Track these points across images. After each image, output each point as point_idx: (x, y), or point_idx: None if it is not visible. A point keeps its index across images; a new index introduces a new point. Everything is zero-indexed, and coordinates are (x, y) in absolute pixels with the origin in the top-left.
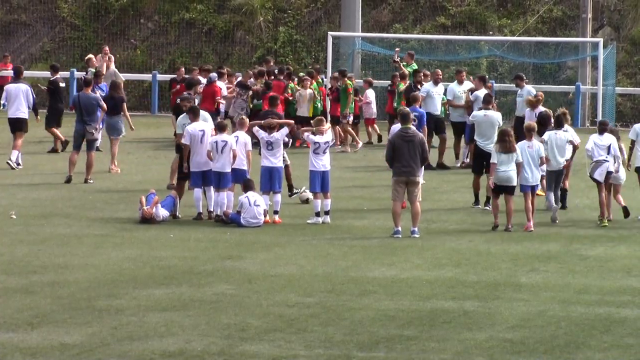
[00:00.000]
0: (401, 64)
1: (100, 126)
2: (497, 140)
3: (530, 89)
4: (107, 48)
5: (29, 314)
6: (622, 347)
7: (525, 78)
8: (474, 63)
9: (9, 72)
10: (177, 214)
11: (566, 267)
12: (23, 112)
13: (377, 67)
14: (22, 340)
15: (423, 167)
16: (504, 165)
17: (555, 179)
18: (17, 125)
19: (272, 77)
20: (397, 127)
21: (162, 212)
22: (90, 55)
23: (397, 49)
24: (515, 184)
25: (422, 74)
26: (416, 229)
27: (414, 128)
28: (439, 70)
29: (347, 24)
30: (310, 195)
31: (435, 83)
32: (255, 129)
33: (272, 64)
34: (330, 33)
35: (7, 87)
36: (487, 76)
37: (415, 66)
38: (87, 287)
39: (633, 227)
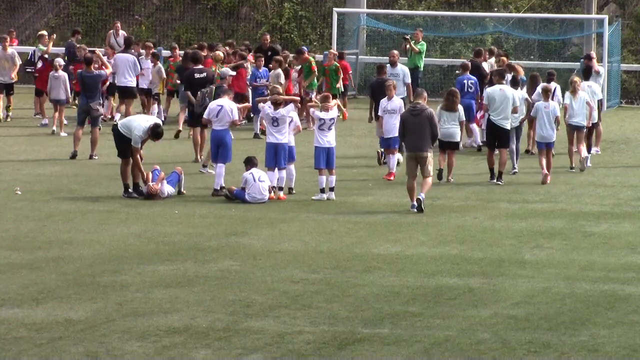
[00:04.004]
0: (411, 42)
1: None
2: (444, 99)
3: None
4: (118, 24)
5: (33, 290)
6: (627, 324)
7: (555, 74)
8: (478, 39)
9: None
10: (182, 190)
11: (571, 244)
12: (130, 80)
13: (382, 44)
14: (27, 316)
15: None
16: (447, 123)
17: (516, 133)
18: (126, 93)
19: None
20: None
21: (168, 189)
22: (43, 32)
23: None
24: (458, 139)
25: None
26: (423, 194)
27: (422, 103)
28: (395, 51)
29: (352, 0)
30: None
31: (392, 65)
32: (261, 105)
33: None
34: (335, 9)
35: (116, 56)
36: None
37: (424, 44)
38: (92, 263)
39: (638, 205)
